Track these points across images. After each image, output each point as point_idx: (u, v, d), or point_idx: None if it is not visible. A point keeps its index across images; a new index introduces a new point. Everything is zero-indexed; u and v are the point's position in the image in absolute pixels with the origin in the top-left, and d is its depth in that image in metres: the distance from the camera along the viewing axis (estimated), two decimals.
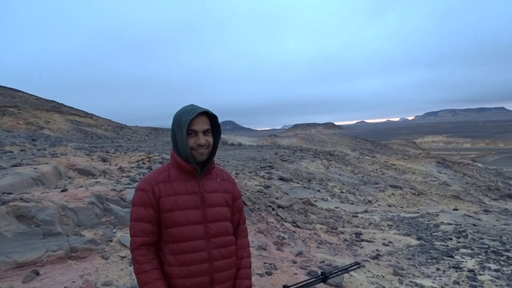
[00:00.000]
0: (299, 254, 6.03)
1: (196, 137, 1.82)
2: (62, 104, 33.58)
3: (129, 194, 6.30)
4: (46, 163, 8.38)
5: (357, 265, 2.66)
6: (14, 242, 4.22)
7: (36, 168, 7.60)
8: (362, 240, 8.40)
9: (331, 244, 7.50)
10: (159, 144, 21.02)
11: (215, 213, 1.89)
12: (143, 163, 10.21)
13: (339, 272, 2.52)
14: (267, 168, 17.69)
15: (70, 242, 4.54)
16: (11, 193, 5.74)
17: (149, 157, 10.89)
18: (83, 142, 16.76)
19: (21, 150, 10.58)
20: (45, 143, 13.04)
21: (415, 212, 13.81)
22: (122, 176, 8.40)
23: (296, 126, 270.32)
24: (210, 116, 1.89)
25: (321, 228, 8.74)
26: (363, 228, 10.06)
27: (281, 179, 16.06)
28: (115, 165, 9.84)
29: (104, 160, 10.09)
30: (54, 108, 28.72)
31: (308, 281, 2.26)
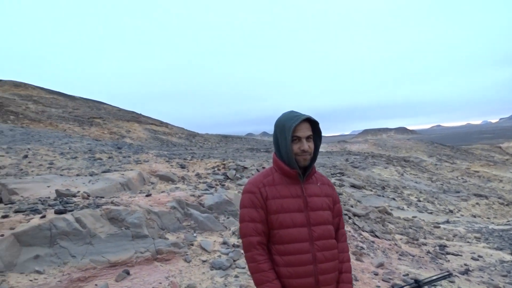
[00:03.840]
0: (380, 265, 5.74)
1: (300, 143, 1.87)
2: (140, 114, 36.03)
3: (207, 199, 6.49)
4: (131, 169, 8.98)
5: (448, 274, 2.60)
6: (107, 243, 4.55)
7: (123, 174, 8.18)
8: (448, 253, 7.79)
9: (413, 256, 7.05)
10: (230, 151, 21.54)
11: (318, 216, 1.92)
12: (218, 170, 10.50)
13: (433, 281, 2.48)
14: (338, 174, 17.26)
15: (155, 245, 4.78)
16: (103, 197, 6.24)
17: (224, 164, 11.17)
18: (160, 149, 17.73)
19: (109, 157, 11.46)
20: (129, 151, 13.99)
21: (506, 224, 12.55)
22: (200, 182, 8.71)
23: (365, 132, 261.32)
24: (312, 122, 1.93)
25: (401, 239, 8.28)
26: (447, 240, 9.35)
27: (353, 186, 15.55)
28: (193, 171, 10.24)
29: (182, 167, 10.55)
30: (134, 118, 30.89)
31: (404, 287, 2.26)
